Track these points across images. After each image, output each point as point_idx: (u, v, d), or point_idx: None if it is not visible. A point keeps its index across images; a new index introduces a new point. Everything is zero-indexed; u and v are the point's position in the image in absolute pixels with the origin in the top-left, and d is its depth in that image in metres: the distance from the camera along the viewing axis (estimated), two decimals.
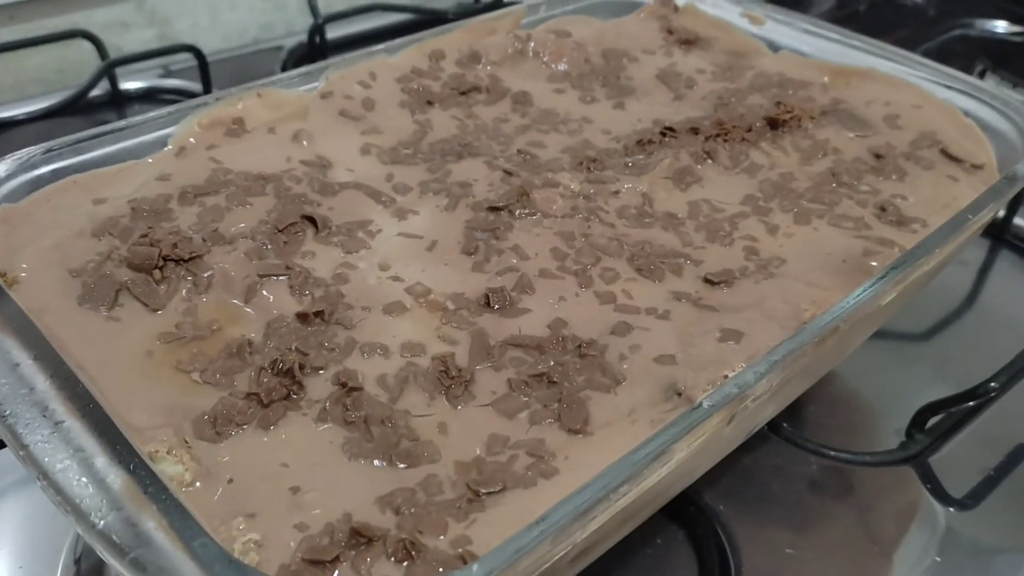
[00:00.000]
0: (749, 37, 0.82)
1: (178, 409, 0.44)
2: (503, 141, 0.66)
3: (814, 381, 0.62)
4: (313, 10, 1.09)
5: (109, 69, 0.95)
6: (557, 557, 0.37)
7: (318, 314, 0.49)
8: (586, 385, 0.46)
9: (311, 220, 0.56)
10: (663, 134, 0.66)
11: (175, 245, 0.52)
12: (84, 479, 0.37)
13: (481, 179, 0.61)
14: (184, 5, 1.13)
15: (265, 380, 0.45)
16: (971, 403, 0.63)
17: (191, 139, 0.61)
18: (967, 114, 0.70)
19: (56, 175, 0.57)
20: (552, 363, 0.47)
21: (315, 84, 0.68)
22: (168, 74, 1.05)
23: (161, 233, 0.53)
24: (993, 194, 0.58)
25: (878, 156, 0.66)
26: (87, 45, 0.99)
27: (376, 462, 0.42)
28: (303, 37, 1.09)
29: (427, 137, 0.66)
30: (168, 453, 0.41)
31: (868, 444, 0.63)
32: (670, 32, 0.81)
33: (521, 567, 0.34)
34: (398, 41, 0.73)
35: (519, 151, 0.64)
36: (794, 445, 0.63)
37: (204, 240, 0.53)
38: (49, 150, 0.57)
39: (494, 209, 0.58)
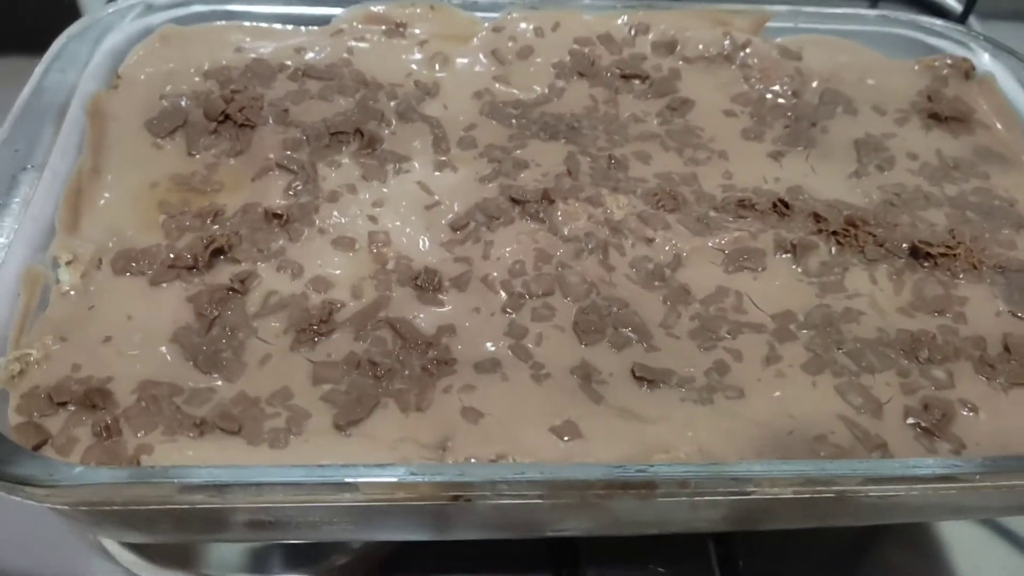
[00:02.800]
0: None
1: (121, 236, 0.53)
2: (614, 140, 0.62)
3: (736, 528, 0.53)
4: None
5: None
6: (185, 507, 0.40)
7: (278, 216, 0.54)
8: (394, 395, 0.46)
9: (362, 135, 0.59)
10: (775, 205, 0.57)
11: (242, 108, 0.59)
12: (3, 239, 0.47)
13: (545, 165, 0.59)
14: None
15: (193, 248, 0.52)
16: None
17: (348, 26, 0.67)
18: None
19: (229, 15, 0.66)
20: (399, 360, 0.48)
21: (495, 15, 0.68)
22: None
23: (244, 96, 0.60)
24: None
25: (1007, 349, 0.51)
26: None
27: (186, 356, 0.47)
28: None
29: (546, 105, 0.64)
30: (69, 264, 0.50)
31: None
32: (930, 98, 0.66)
33: (113, 494, 0.38)
34: (616, 2, 0.70)
35: (612, 156, 0.60)
36: None
37: (270, 115, 0.60)
38: None
39: (513, 200, 0.56)
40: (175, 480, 0.39)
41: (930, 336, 0.51)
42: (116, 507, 0.39)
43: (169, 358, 0.47)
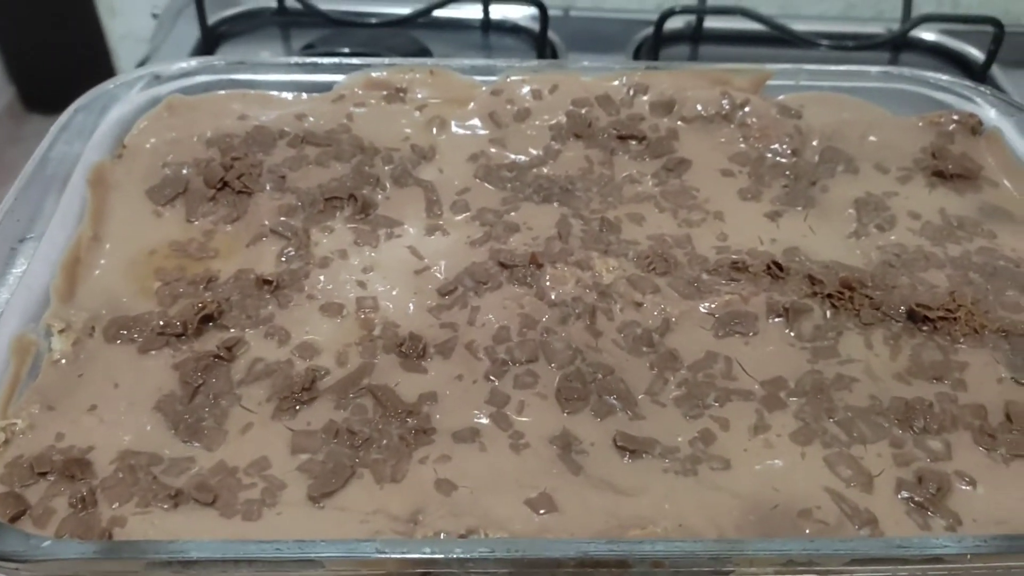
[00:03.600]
0: None
1: (116, 303, 0.54)
2: (608, 202, 0.62)
3: None
4: None
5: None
6: None
7: (268, 283, 0.55)
8: (370, 465, 0.46)
9: (356, 200, 0.60)
10: (768, 268, 0.57)
11: (240, 176, 0.61)
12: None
13: (536, 228, 0.59)
14: None
15: (184, 315, 0.52)
16: None
17: (349, 92, 0.68)
18: None
19: (233, 84, 0.68)
20: (379, 428, 0.47)
21: (494, 78, 0.69)
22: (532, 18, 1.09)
23: (243, 163, 0.62)
24: None
25: (1008, 418, 0.49)
26: None
27: (168, 424, 0.48)
28: (687, 19, 1.06)
29: (542, 167, 0.64)
30: (61, 332, 0.51)
31: None
32: (935, 155, 0.65)
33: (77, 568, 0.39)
34: (614, 65, 0.71)
35: (604, 218, 0.60)
36: None
37: (268, 182, 0.61)
38: (233, 63, 0.68)
39: (503, 265, 0.56)
40: (141, 556, 0.39)
41: (926, 404, 0.49)
42: None
43: (150, 427, 0.47)
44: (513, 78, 0.69)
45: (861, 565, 0.40)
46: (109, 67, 1.34)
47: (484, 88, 0.69)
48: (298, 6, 1.02)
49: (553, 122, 0.67)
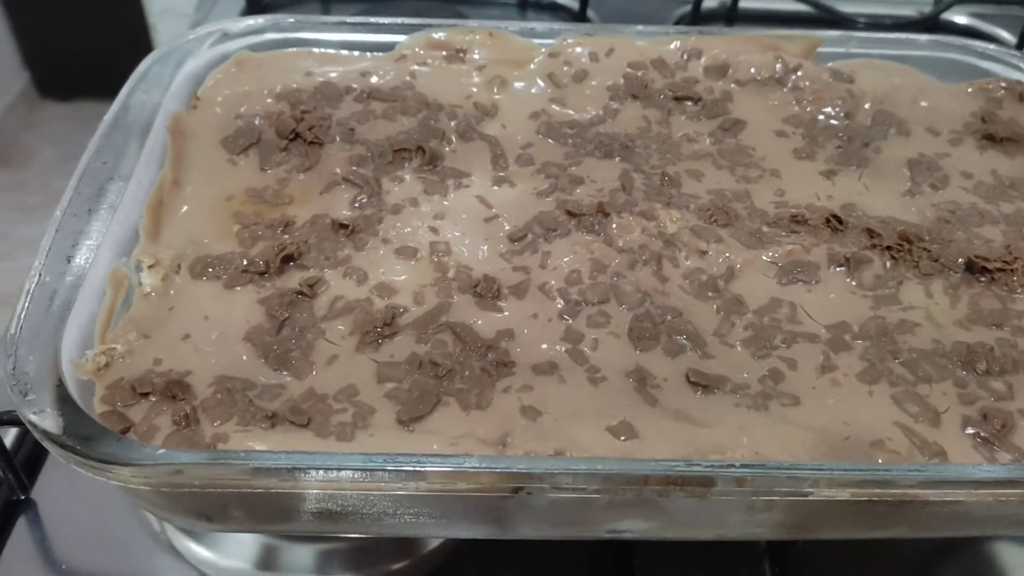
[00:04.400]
0: None
1: (199, 243, 0.55)
2: (667, 158, 0.63)
3: (797, 536, 0.53)
4: None
5: None
6: (263, 492, 0.41)
7: (344, 227, 0.56)
8: (455, 394, 0.47)
9: (424, 152, 0.62)
10: (828, 220, 0.58)
11: (311, 127, 0.62)
12: (71, 251, 0.50)
13: (600, 181, 0.61)
14: None
15: (265, 255, 0.54)
16: None
17: (411, 52, 0.70)
18: None
19: (299, 42, 0.70)
20: (460, 361, 0.49)
21: (552, 41, 0.71)
22: None
23: (313, 116, 0.63)
24: None
25: None
26: None
27: (258, 354, 0.49)
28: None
29: (601, 126, 0.66)
30: (151, 267, 0.53)
31: None
32: (984, 120, 0.67)
33: (196, 474, 0.40)
34: (668, 28, 0.73)
35: (664, 173, 0.62)
36: None
37: (338, 134, 0.63)
38: (299, 21, 0.70)
39: (570, 213, 0.58)
40: (250, 463, 0.40)
41: (988, 348, 0.51)
42: (194, 489, 0.40)
43: (243, 355, 0.49)
44: (570, 40, 0.71)
45: (936, 487, 0.42)
46: (148, 43, 1.36)
47: (542, 50, 0.70)
48: None
49: (610, 83, 0.69)
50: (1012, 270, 0.55)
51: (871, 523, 0.47)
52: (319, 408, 0.46)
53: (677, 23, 1.06)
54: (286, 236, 0.56)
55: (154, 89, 0.62)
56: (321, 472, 0.40)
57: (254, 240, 0.56)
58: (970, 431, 0.47)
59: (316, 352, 0.50)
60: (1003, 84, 0.69)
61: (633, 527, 0.47)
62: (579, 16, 1.03)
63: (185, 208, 0.58)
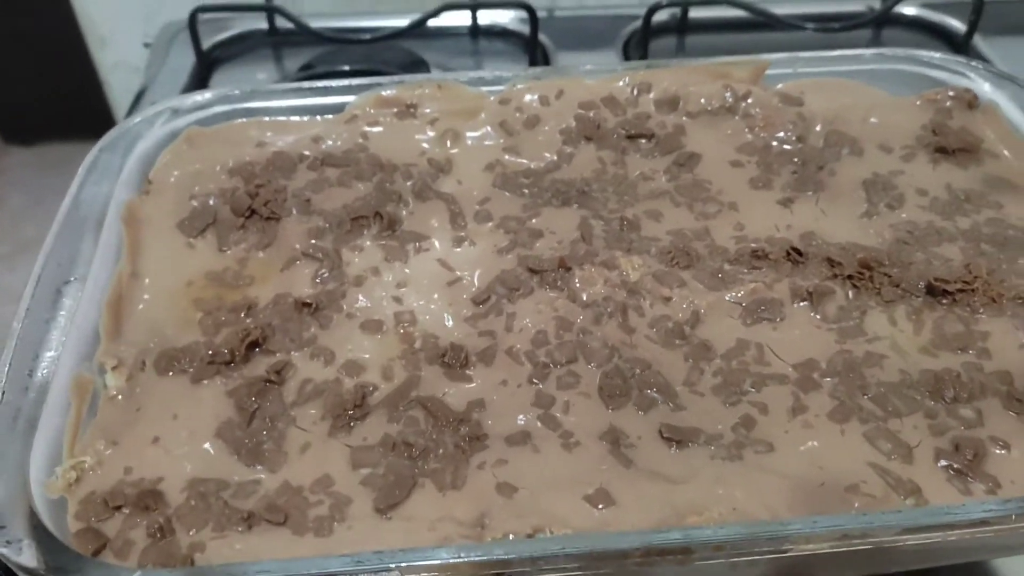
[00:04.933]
0: None
1: (162, 336, 0.55)
2: (625, 200, 0.64)
3: None
4: None
5: (451, 8, 1.05)
6: None
7: (307, 305, 0.56)
8: (430, 475, 0.47)
9: (382, 218, 0.61)
10: (788, 254, 0.59)
11: (267, 202, 0.62)
12: (31, 364, 0.50)
13: (559, 232, 0.61)
14: None
15: (229, 342, 0.54)
16: None
17: (361, 111, 0.69)
18: None
19: (249, 112, 0.69)
20: (433, 438, 0.49)
21: (501, 87, 0.71)
22: (521, 21, 1.10)
23: (268, 189, 0.63)
24: None
25: None
26: None
27: (230, 450, 0.49)
28: (675, 11, 1.07)
29: (556, 172, 0.66)
30: (114, 369, 0.52)
31: None
32: (935, 132, 0.67)
33: None
34: (616, 65, 0.73)
35: (623, 218, 0.62)
36: None
37: (294, 206, 0.63)
38: (247, 92, 0.69)
39: (531, 271, 0.58)
40: None
41: (954, 375, 0.51)
42: None
43: (214, 453, 0.49)
44: (519, 86, 0.71)
45: (913, 534, 0.42)
46: (101, 97, 1.34)
47: (492, 98, 0.70)
48: (289, 26, 1.03)
49: (563, 126, 0.69)
50: (972, 290, 0.55)
51: (854, 566, 0.48)
52: (295, 503, 0.46)
53: (628, 40, 1.06)
54: (249, 320, 0.56)
55: (104, 179, 0.62)
56: None
57: (218, 327, 0.56)
58: (943, 463, 0.48)
59: (288, 441, 0.50)
60: (951, 93, 0.70)
61: None
62: (531, 41, 1.03)
63: (145, 299, 0.57)
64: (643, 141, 0.68)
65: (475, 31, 1.08)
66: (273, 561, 0.41)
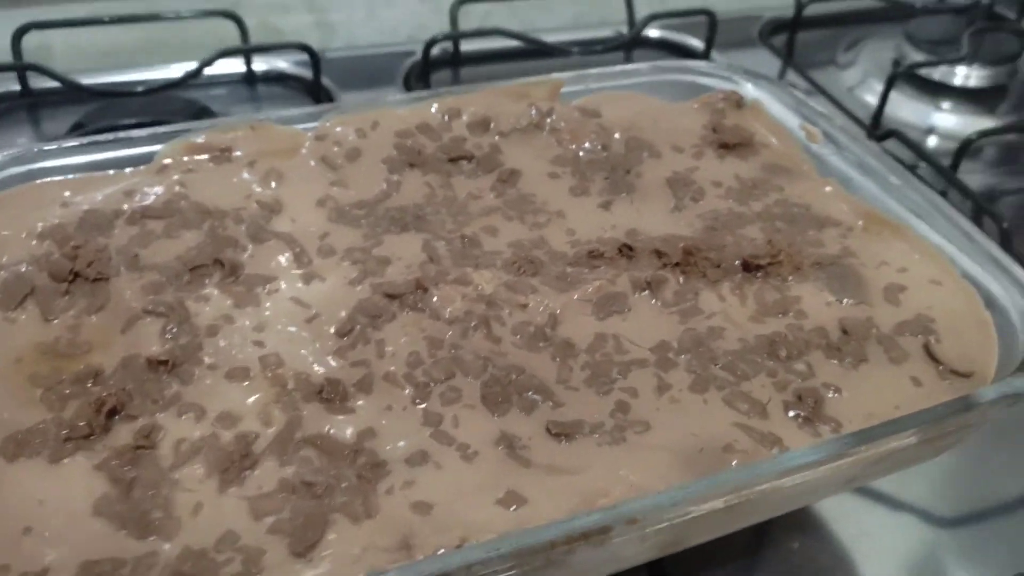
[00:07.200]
0: (802, 153, 0.75)
1: (4, 420, 0.50)
2: (460, 220, 0.66)
3: (670, 551, 0.57)
4: (452, 21, 1.11)
5: (234, 54, 1.03)
6: None
7: (163, 363, 0.53)
8: (340, 508, 0.47)
9: (222, 264, 0.59)
10: (620, 250, 0.63)
11: (90, 263, 0.58)
12: None
13: (406, 257, 0.62)
14: None
15: (83, 415, 0.50)
16: None
17: (172, 160, 0.67)
18: (992, 304, 0.61)
19: (46, 172, 0.64)
20: (332, 474, 0.48)
21: (315, 124, 0.71)
22: (302, 62, 1.09)
23: (87, 250, 0.59)
24: (916, 421, 0.50)
25: (845, 332, 0.59)
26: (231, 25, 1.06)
27: (116, 526, 0.46)
28: (447, 45, 1.11)
29: (388, 200, 0.67)
30: None
31: None
32: (715, 130, 0.76)
33: None
34: (423, 93, 0.75)
35: (464, 236, 0.64)
36: None
37: (121, 264, 0.59)
38: (42, 149, 0.64)
39: (389, 296, 0.58)
40: None
41: (783, 336, 0.58)
42: None
43: (98, 531, 0.45)
44: (331, 121, 0.71)
45: (791, 474, 0.48)
46: None
47: (309, 135, 0.70)
48: (46, 85, 0.96)
49: (384, 156, 0.70)
50: (779, 262, 0.63)
51: (739, 518, 0.53)
52: (203, 566, 0.44)
53: (408, 74, 1.09)
54: (98, 388, 0.52)
55: None
56: None
57: (63, 401, 0.51)
58: (791, 414, 0.54)
59: (177, 506, 0.47)
60: (721, 96, 0.79)
61: None
62: (314, 85, 1.03)
63: None
64: (464, 162, 0.71)
65: (251, 77, 1.07)
66: None
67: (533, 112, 0.75)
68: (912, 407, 0.53)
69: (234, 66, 1.05)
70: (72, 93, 0.95)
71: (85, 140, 0.66)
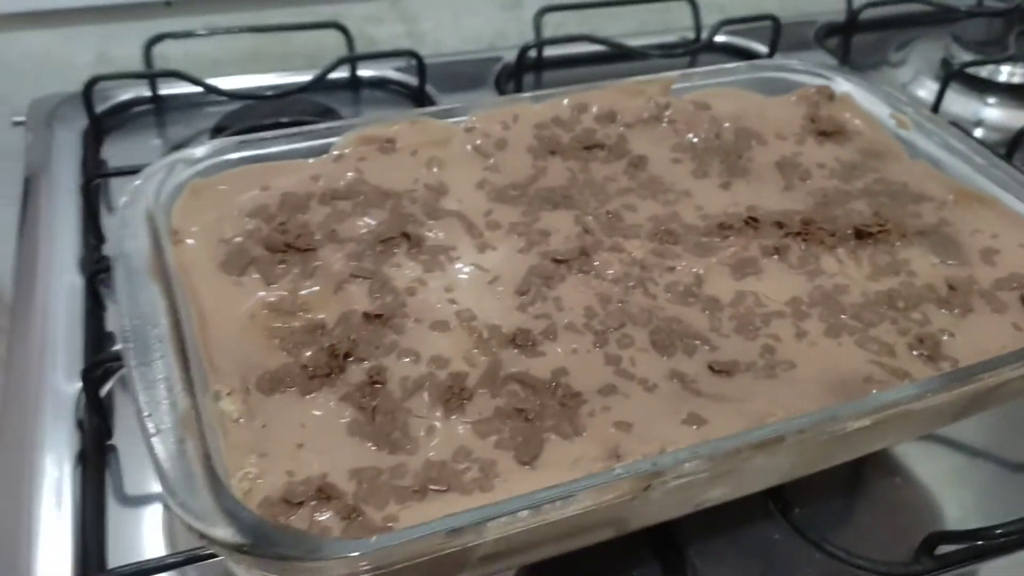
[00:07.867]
0: (892, 139, 0.84)
1: (253, 363, 0.59)
2: (601, 199, 0.75)
3: (812, 470, 0.66)
4: (536, 29, 1.21)
5: (348, 62, 1.13)
6: (452, 551, 0.47)
7: (378, 316, 0.62)
8: (551, 429, 0.56)
9: (408, 237, 0.69)
10: (747, 222, 0.72)
11: (299, 236, 0.67)
12: (164, 399, 0.52)
13: (563, 230, 0.71)
14: (431, 8, 1.30)
15: (319, 358, 0.59)
16: (978, 542, 0.65)
17: (347, 150, 0.76)
18: None
19: (243, 161, 0.74)
20: (538, 403, 0.57)
21: (464, 118, 0.80)
22: (404, 68, 1.19)
23: (293, 224, 0.68)
24: None
25: (951, 288, 0.68)
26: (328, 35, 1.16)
27: (368, 443, 0.55)
28: (532, 51, 1.20)
29: (537, 183, 0.76)
30: (228, 394, 0.56)
31: (877, 551, 0.66)
32: (812, 120, 0.85)
33: (409, 549, 0.46)
34: (552, 91, 0.84)
35: (608, 211, 0.73)
36: (794, 529, 0.68)
37: (322, 237, 0.68)
38: (242, 141, 0.74)
39: (557, 261, 0.67)
40: (444, 529, 0.46)
41: (898, 291, 0.67)
42: (402, 565, 0.46)
43: (356, 448, 0.54)
44: (476, 116, 0.80)
45: (934, 395, 0.56)
46: None
47: (460, 127, 0.79)
48: (174, 91, 1.06)
49: (527, 145, 0.79)
50: (887, 231, 0.72)
51: (877, 439, 0.61)
52: (447, 473, 0.53)
53: (498, 77, 1.19)
54: (325, 338, 0.61)
55: (137, 233, 0.64)
56: (504, 519, 0.47)
57: (299, 348, 0.60)
58: (915, 353, 0.63)
59: (413, 428, 0.56)
60: (814, 90, 0.88)
61: (715, 495, 0.58)
62: (418, 92, 1.12)
63: (218, 336, 0.61)
64: (598, 150, 0.80)
65: (356, 82, 1.16)
66: (478, 509, 0.48)
67: (653, 106, 0.84)
68: (1017, 347, 0.62)
69: (338, 72, 1.14)
70: (201, 98, 1.05)
71: (275, 133, 0.75)
